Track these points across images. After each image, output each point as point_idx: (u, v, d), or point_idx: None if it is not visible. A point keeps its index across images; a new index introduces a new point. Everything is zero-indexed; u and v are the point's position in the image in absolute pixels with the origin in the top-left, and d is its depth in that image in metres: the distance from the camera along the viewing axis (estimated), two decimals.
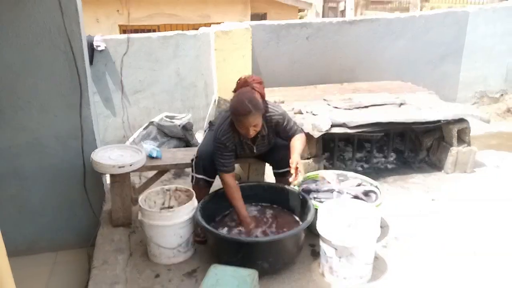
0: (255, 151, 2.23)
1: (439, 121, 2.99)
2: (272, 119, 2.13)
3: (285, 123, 2.17)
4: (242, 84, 2.09)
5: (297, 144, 2.14)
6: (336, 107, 3.13)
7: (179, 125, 3.40)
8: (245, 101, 1.95)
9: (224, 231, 2.12)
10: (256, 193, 2.33)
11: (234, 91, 2.13)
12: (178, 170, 3.21)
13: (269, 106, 2.14)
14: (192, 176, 2.23)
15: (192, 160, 2.24)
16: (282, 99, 3.31)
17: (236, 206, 2.12)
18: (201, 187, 2.21)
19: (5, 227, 2.26)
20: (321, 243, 1.95)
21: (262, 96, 2.07)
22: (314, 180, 2.50)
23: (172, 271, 2.04)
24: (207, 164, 2.18)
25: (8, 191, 2.30)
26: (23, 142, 2.25)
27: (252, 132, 2.01)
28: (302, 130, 2.28)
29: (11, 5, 2.03)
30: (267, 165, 2.50)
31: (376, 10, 12.23)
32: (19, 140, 2.24)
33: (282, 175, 2.29)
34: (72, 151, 2.31)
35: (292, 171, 2.04)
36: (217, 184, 2.34)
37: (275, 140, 2.26)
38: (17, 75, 2.14)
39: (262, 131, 2.11)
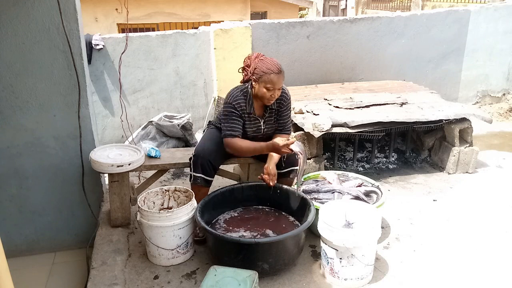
0: (262, 126, 2.25)
1: (441, 120, 2.97)
2: (282, 93, 2.18)
3: (287, 106, 2.25)
4: (255, 57, 2.13)
5: None
6: (337, 107, 3.11)
7: (178, 125, 3.38)
8: (275, 61, 2.07)
9: (223, 232, 2.11)
10: (256, 193, 2.31)
11: (243, 68, 2.17)
12: (177, 170, 3.19)
13: None
14: (191, 175, 2.22)
15: (190, 158, 2.23)
16: None
17: (254, 148, 2.13)
18: (199, 186, 2.20)
19: (5, 227, 2.27)
20: (322, 244, 1.94)
21: None
22: (315, 181, 2.48)
23: (171, 272, 2.03)
24: (205, 163, 2.17)
25: (8, 191, 2.29)
26: (22, 142, 2.23)
27: (276, 96, 2.09)
28: (290, 130, 2.35)
29: (10, 4, 2.01)
30: None
31: (377, 8, 12.19)
32: (18, 140, 2.22)
33: (284, 175, 2.28)
34: (71, 151, 2.29)
35: (271, 183, 2.15)
36: (216, 184, 2.33)
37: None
38: (16, 74, 2.12)
39: (273, 104, 2.17)
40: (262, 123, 2.23)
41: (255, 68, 2.08)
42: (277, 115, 2.26)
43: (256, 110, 2.20)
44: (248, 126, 2.22)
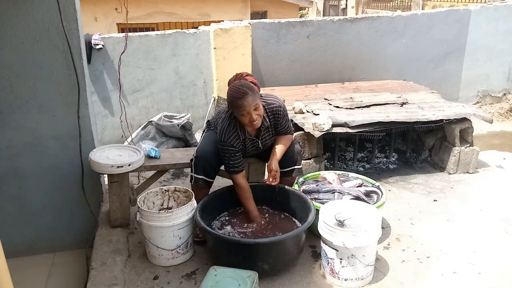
0: (260, 145, 2.22)
1: (441, 120, 2.97)
2: (273, 109, 2.15)
3: (283, 116, 2.20)
4: (233, 80, 2.15)
5: (281, 147, 2.20)
6: (337, 107, 3.10)
7: (178, 125, 3.37)
8: (238, 86, 2.01)
9: (223, 231, 2.10)
10: (256, 193, 2.30)
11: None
12: (177, 170, 3.19)
13: (268, 96, 2.19)
14: (191, 176, 2.21)
15: (191, 160, 2.23)
16: (282, 99, 3.29)
17: (248, 207, 2.16)
18: (200, 188, 2.20)
19: (4, 228, 2.27)
20: (322, 245, 1.93)
21: (255, 83, 2.11)
22: (315, 181, 2.47)
23: (171, 272, 2.02)
24: (207, 164, 2.16)
25: (7, 191, 2.28)
26: (22, 142, 2.23)
27: (255, 117, 2.01)
28: (292, 132, 2.32)
29: (10, 4, 2.00)
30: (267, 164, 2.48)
31: (378, 8, 12.18)
32: (17, 140, 2.21)
33: (287, 174, 2.28)
34: (70, 151, 2.28)
35: (271, 179, 2.14)
36: (216, 184, 2.32)
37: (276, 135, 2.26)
38: (16, 74, 2.12)
39: (264, 122, 2.12)
40: (259, 141, 2.20)
41: (227, 98, 2.07)
42: (275, 127, 2.20)
43: (251, 131, 2.16)
44: (245, 148, 2.20)
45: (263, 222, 2.17)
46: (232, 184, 2.34)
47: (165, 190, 2.26)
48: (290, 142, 2.26)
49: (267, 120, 2.14)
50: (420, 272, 2.01)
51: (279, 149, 2.19)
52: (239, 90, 1.99)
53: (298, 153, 2.28)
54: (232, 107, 2.03)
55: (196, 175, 2.18)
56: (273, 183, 2.15)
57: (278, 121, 2.18)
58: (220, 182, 2.64)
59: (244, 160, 2.42)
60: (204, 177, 2.17)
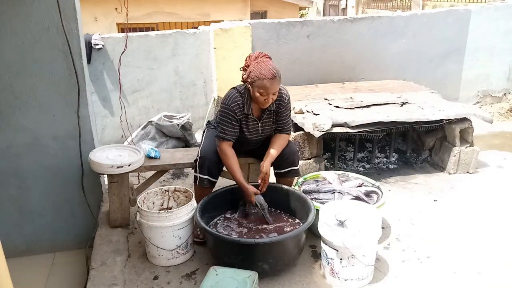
0: (259, 129, 2.22)
1: (441, 120, 2.97)
2: (280, 95, 2.16)
3: (286, 106, 2.22)
4: (255, 58, 2.11)
5: (276, 147, 2.19)
6: (337, 107, 3.10)
7: (178, 125, 3.37)
8: (270, 66, 2.01)
9: (223, 232, 2.10)
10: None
11: (244, 67, 2.14)
12: (177, 170, 3.19)
13: None
14: (196, 177, 2.21)
15: (195, 160, 2.22)
16: None
17: (234, 175, 2.14)
18: (204, 187, 2.20)
19: (4, 228, 2.27)
20: (322, 245, 1.93)
21: None
22: (315, 181, 2.47)
23: (171, 272, 2.02)
24: (212, 164, 2.17)
25: (7, 191, 2.28)
26: (22, 142, 2.23)
27: (270, 100, 2.05)
28: (290, 131, 2.32)
29: (9, 4, 2.00)
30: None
31: (378, 8, 12.18)
32: (17, 140, 2.22)
33: (284, 175, 2.28)
34: (70, 151, 2.29)
35: (260, 181, 2.13)
36: (216, 184, 2.32)
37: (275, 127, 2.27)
38: (16, 74, 2.12)
39: (270, 105, 2.14)
40: (259, 124, 2.21)
41: (250, 72, 2.06)
42: (276, 116, 2.23)
43: (254, 111, 2.18)
44: (246, 127, 2.19)
45: (252, 190, 2.13)
46: (232, 184, 2.35)
47: (165, 190, 2.26)
48: (287, 143, 2.26)
49: (273, 104, 2.16)
50: (420, 272, 2.01)
51: (274, 151, 2.18)
52: (271, 71, 2.00)
53: (295, 154, 2.27)
54: (255, 82, 2.02)
55: (201, 175, 2.18)
56: (264, 188, 2.15)
57: (280, 108, 2.20)
58: (220, 182, 2.64)
59: (243, 159, 2.43)
60: (209, 177, 2.17)
